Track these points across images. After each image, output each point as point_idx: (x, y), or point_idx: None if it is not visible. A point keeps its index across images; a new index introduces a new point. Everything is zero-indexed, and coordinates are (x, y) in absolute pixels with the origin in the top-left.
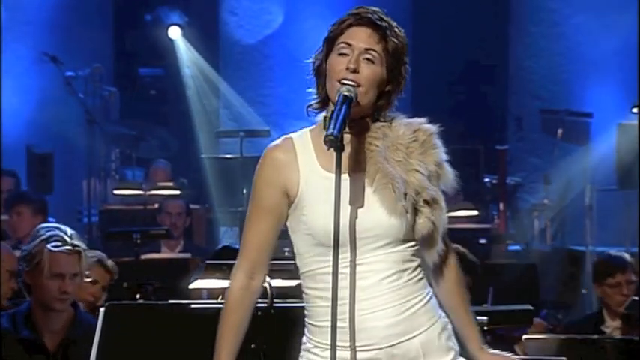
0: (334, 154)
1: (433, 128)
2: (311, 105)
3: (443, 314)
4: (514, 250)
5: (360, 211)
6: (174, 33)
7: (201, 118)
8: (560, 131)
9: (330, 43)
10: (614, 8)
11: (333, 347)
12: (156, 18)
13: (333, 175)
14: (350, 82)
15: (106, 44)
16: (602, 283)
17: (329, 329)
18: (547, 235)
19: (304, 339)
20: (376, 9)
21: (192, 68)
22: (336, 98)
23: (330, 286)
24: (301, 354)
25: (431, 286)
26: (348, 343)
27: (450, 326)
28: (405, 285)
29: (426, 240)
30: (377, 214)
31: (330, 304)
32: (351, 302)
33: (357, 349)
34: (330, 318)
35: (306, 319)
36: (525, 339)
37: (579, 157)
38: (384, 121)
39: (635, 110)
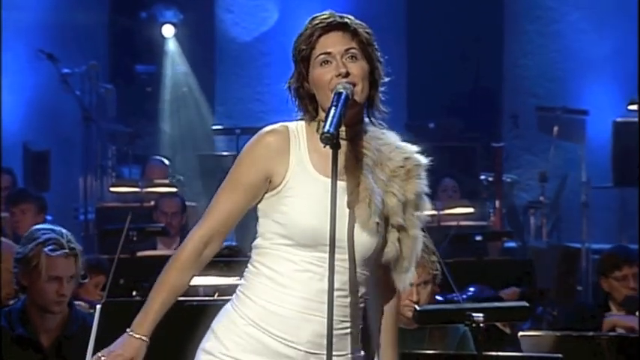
0: (325, 156)
1: (424, 161)
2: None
3: (361, 349)
4: (510, 247)
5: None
6: (169, 31)
7: (197, 116)
8: (556, 128)
9: (305, 61)
10: (610, 6)
11: (330, 349)
12: (151, 15)
13: (321, 177)
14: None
15: (102, 41)
16: (609, 277)
17: (279, 318)
18: (543, 232)
19: (237, 311)
20: (330, 12)
21: (187, 65)
22: (332, 96)
23: (289, 274)
24: (229, 327)
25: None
26: (279, 334)
27: None
28: (348, 306)
29: (395, 265)
30: (349, 226)
31: (283, 291)
32: (304, 297)
33: (284, 341)
34: (282, 305)
35: (242, 290)
36: (521, 336)
37: (575, 155)
38: (374, 127)
39: (630, 107)
